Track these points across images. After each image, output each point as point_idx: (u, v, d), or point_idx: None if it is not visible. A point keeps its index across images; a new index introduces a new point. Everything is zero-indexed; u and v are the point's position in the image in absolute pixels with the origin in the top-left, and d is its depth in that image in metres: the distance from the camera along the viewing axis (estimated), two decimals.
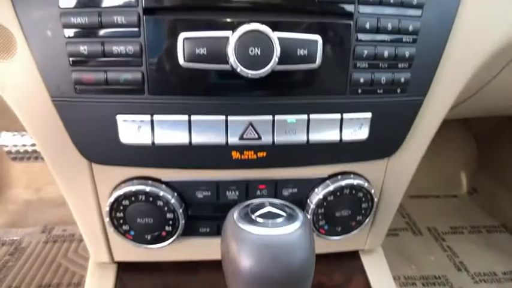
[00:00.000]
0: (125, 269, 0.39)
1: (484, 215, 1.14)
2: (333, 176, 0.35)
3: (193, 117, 0.29)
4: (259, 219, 0.22)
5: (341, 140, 0.32)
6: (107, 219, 0.33)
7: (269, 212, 0.22)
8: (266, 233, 0.20)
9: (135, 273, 0.38)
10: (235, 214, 0.22)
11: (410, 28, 0.29)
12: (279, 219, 0.22)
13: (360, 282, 0.39)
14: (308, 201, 0.35)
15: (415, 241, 1.02)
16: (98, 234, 0.36)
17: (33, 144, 0.95)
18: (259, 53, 0.26)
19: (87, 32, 0.26)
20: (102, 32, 0.26)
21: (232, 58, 0.26)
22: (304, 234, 0.21)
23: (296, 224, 0.21)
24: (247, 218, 0.22)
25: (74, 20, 0.26)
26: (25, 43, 0.27)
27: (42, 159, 0.99)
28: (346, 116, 0.31)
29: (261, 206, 0.23)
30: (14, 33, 0.27)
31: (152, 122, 0.29)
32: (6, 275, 0.92)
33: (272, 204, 0.23)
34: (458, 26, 0.31)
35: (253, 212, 0.22)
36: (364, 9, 0.28)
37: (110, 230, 0.34)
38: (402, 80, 0.31)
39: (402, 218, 1.10)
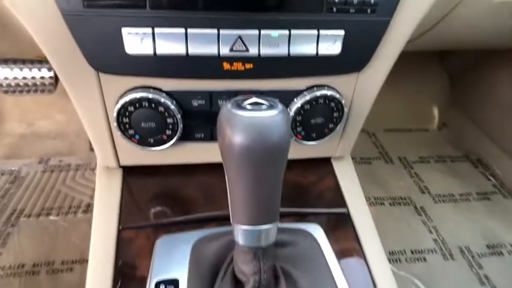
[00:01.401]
0: (129, 173, 0.45)
1: (450, 147, 1.25)
2: (309, 88, 0.40)
3: (189, 30, 0.33)
4: (248, 107, 0.27)
5: (317, 54, 0.36)
6: (114, 124, 0.38)
7: (256, 102, 0.28)
8: (253, 115, 0.26)
9: (139, 176, 0.45)
10: (228, 104, 0.27)
11: None
12: (264, 107, 0.27)
13: (331, 182, 0.47)
14: (288, 109, 0.40)
15: (386, 168, 1.13)
16: (106, 139, 0.41)
17: (25, 77, 0.96)
18: None
19: None
20: None
21: None
22: (282, 118, 0.26)
23: (276, 110, 0.27)
24: (238, 106, 0.27)
25: None
26: None
27: (34, 91, 1.00)
28: (322, 32, 0.36)
29: (249, 98, 0.28)
30: None
31: (153, 34, 0.33)
32: (9, 201, 0.99)
33: (258, 97, 0.28)
34: None
35: (243, 102, 0.28)
36: None
37: (117, 134, 0.39)
38: (372, 1, 0.35)
39: (376, 148, 1.21)
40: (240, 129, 0.26)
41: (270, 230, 0.29)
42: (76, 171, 1.09)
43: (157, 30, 0.33)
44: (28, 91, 1.10)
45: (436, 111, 1.32)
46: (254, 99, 0.28)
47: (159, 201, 0.42)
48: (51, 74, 1.02)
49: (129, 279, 0.34)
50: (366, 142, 1.22)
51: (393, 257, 0.88)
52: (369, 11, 0.36)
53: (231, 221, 0.29)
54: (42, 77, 0.98)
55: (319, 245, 0.37)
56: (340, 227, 0.41)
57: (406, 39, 0.41)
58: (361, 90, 0.42)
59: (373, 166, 1.13)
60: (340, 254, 0.37)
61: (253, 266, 0.29)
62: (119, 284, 0.34)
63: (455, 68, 1.25)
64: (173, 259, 0.34)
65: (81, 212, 0.95)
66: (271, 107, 0.27)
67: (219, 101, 0.39)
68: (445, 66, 1.27)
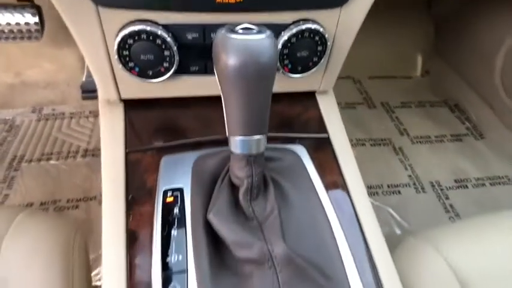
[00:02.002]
0: (129, 106, 0.49)
1: (431, 93, 1.31)
2: (295, 22, 0.44)
3: None
4: (240, 31, 0.31)
5: None
6: (115, 57, 0.41)
7: (247, 28, 0.31)
8: (245, 38, 0.30)
9: (139, 109, 0.48)
10: (223, 30, 0.31)
11: None
12: (254, 31, 0.31)
13: (314, 112, 0.52)
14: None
15: (369, 113, 1.20)
16: (107, 73, 0.44)
17: (8, 23, 0.94)
18: None
19: None
20: None
21: None
22: (270, 41, 0.30)
23: (264, 35, 0.30)
24: (231, 31, 0.31)
25: None
26: None
27: (21, 38, 0.98)
28: None
29: (241, 24, 0.31)
30: None
31: None
32: (8, 148, 1.03)
33: (249, 24, 0.32)
34: None
35: (235, 27, 0.31)
36: None
37: (118, 67, 0.43)
38: None
39: (360, 94, 1.26)
40: (233, 50, 0.29)
41: (260, 140, 0.34)
42: (70, 119, 1.12)
43: None
44: (14, 38, 1.08)
45: (419, 60, 1.35)
46: (245, 25, 0.31)
47: (160, 129, 0.47)
48: (36, 19, 1.00)
49: (140, 190, 0.39)
50: (351, 88, 1.26)
51: (371, 191, 0.97)
52: None
53: (228, 135, 0.34)
54: (27, 23, 0.96)
55: (302, 161, 0.43)
56: (321, 149, 0.47)
57: None
58: (344, 25, 0.46)
59: (357, 111, 1.19)
60: (321, 171, 0.43)
61: (246, 171, 0.34)
62: (130, 196, 0.39)
63: (440, 15, 1.27)
64: (177, 173, 0.40)
65: (80, 157, 1.00)
66: (260, 31, 0.31)
67: (211, 34, 0.42)
68: (430, 12, 1.28)
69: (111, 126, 0.46)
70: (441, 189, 1.00)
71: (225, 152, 0.38)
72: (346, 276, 0.33)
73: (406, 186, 1.00)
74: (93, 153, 1.00)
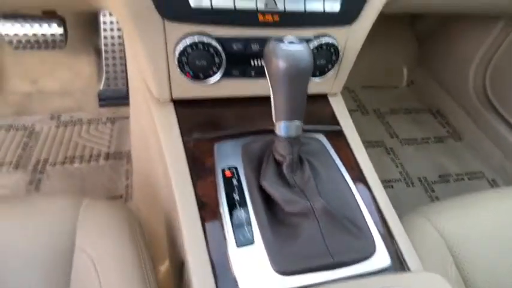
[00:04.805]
0: (179, 105, 0.58)
1: (416, 101, 1.46)
2: (316, 37, 0.55)
3: None
4: (286, 42, 0.42)
5: (324, 11, 0.51)
6: (176, 63, 0.51)
7: (290, 41, 0.42)
8: (290, 48, 0.41)
9: (187, 107, 0.58)
10: (273, 41, 0.41)
11: None
12: (296, 43, 0.42)
13: (328, 110, 0.64)
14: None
15: (363, 118, 1.33)
16: (164, 75, 0.54)
17: (35, 34, 1.02)
18: None
19: None
20: None
21: None
22: (308, 50, 0.41)
23: (304, 46, 0.41)
24: (280, 42, 0.41)
25: None
26: None
27: (45, 47, 1.08)
28: None
29: (287, 37, 0.42)
30: None
31: None
32: (31, 153, 1.09)
33: (291, 37, 0.43)
34: None
35: (282, 40, 0.42)
36: None
37: (176, 71, 0.52)
38: None
39: (354, 102, 1.39)
40: (283, 56, 0.40)
41: (298, 126, 0.44)
42: (89, 125, 1.19)
43: None
44: (39, 47, 1.16)
45: (405, 71, 1.51)
46: (290, 38, 0.42)
47: (207, 123, 0.57)
48: (61, 30, 1.09)
49: (201, 169, 0.48)
50: (346, 97, 1.40)
51: None
52: None
53: (274, 120, 0.44)
54: (52, 34, 1.05)
55: (325, 146, 0.53)
56: (337, 138, 0.58)
57: (382, 2, 0.56)
58: (351, 39, 0.58)
59: (353, 117, 1.31)
60: (339, 154, 0.54)
61: (288, 149, 0.45)
62: (194, 176, 0.48)
63: (423, 32, 1.44)
64: (229, 156, 0.49)
65: (103, 159, 1.08)
66: (300, 43, 0.42)
67: (252, 45, 0.53)
68: (414, 30, 1.45)
69: (167, 122, 0.56)
70: (427, 184, 1.13)
71: (267, 138, 0.49)
72: (368, 227, 0.44)
73: (398, 181, 1.12)
74: (115, 156, 1.08)
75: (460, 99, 1.33)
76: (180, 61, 0.51)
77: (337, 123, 0.61)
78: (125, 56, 1.18)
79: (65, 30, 1.06)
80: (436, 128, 1.35)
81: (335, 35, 0.56)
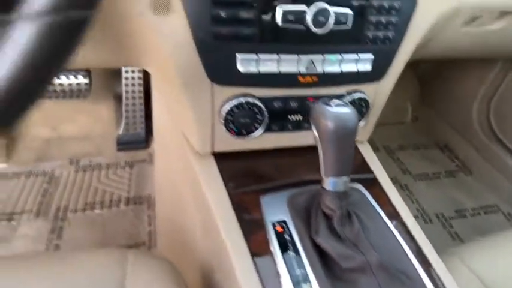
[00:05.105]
0: (219, 157, 0.61)
1: (422, 136, 1.51)
2: (348, 93, 0.59)
3: (281, 56, 0.50)
4: (333, 105, 0.45)
5: (358, 71, 0.56)
6: (222, 121, 0.54)
7: (337, 104, 0.46)
8: (338, 111, 0.44)
9: (227, 160, 0.60)
10: (322, 104, 0.45)
11: (396, 6, 0.53)
12: (342, 105, 0.45)
13: (359, 157, 0.67)
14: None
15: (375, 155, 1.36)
16: (208, 131, 0.57)
17: (61, 84, 1.06)
18: (323, 19, 0.48)
19: (225, 3, 0.45)
20: (233, 6, 0.45)
21: (309, 21, 0.47)
22: (354, 113, 0.45)
23: (350, 109, 0.45)
24: (327, 105, 0.45)
25: None
26: (181, 4, 0.45)
27: (70, 97, 1.12)
28: (361, 56, 0.55)
29: (333, 100, 0.46)
30: None
31: (258, 59, 0.50)
32: (51, 199, 1.09)
33: (337, 100, 0.46)
34: (419, 6, 0.55)
35: (329, 102, 0.46)
36: (374, 1, 0.50)
37: (221, 128, 0.55)
38: (390, 35, 0.55)
39: None
40: (331, 118, 0.44)
41: (346, 180, 0.47)
42: (107, 169, 1.20)
43: (260, 55, 0.50)
44: (64, 96, 1.21)
45: (409, 108, 1.58)
46: (336, 102, 0.46)
47: (250, 175, 0.59)
48: (87, 80, 1.14)
49: (250, 223, 0.50)
50: None
51: None
52: (387, 42, 0.55)
53: (323, 176, 0.47)
54: (78, 84, 1.10)
55: (365, 196, 0.56)
56: (373, 186, 0.60)
57: (408, 58, 0.61)
58: (379, 93, 0.62)
59: None
60: (378, 201, 0.56)
61: (337, 203, 0.47)
62: (245, 230, 0.50)
63: (424, 72, 1.52)
64: (275, 209, 0.51)
65: (123, 204, 1.08)
66: (346, 106, 0.45)
67: (291, 102, 0.56)
68: (416, 71, 1.53)
69: (210, 175, 0.58)
70: (445, 220, 1.14)
71: (312, 190, 0.51)
72: (420, 276, 0.45)
73: (416, 218, 1.13)
74: (136, 201, 1.09)
75: (465, 133, 1.38)
76: (225, 120, 0.55)
77: (369, 170, 0.64)
78: (145, 102, 1.22)
79: (90, 80, 1.11)
80: (446, 162, 1.39)
81: (365, 90, 0.60)
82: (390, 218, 0.54)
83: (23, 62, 0.22)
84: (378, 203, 0.56)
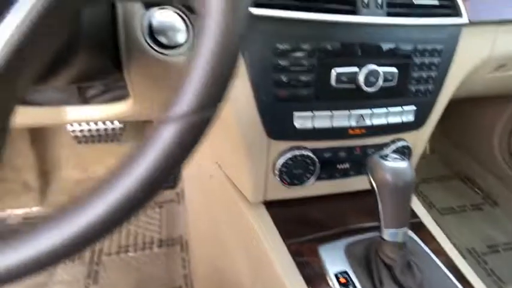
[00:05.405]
0: (269, 205, 0.63)
1: (442, 168, 1.53)
2: (392, 141, 0.62)
3: (334, 112, 0.54)
4: (390, 160, 0.48)
5: (402, 122, 0.59)
6: (277, 173, 0.57)
7: (394, 157, 0.49)
8: (397, 165, 0.47)
9: (278, 207, 0.63)
10: (378, 157, 0.48)
11: (435, 62, 0.57)
12: (399, 160, 0.48)
13: None
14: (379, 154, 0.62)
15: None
16: (261, 183, 0.59)
17: (98, 129, 1.11)
18: (374, 79, 0.52)
19: (286, 69, 0.49)
20: (293, 71, 0.50)
21: (361, 81, 0.51)
22: (410, 167, 0.48)
23: (407, 163, 0.48)
24: (384, 159, 0.48)
25: (281, 62, 0.49)
26: (246, 71, 0.49)
27: (105, 141, 1.17)
28: (405, 108, 0.58)
29: (389, 154, 0.49)
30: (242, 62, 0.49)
31: (313, 115, 0.53)
32: None
33: (393, 155, 0.49)
34: (455, 61, 0.60)
35: (386, 156, 0.48)
36: (416, 59, 0.55)
37: (274, 179, 0.58)
38: (430, 88, 0.59)
39: None
40: (389, 172, 0.46)
41: (406, 231, 0.49)
42: None
43: (315, 113, 0.53)
44: (99, 141, 1.25)
45: (428, 141, 1.61)
46: (393, 156, 0.49)
47: (303, 222, 0.61)
48: (122, 125, 1.19)
49: (313, 274, 0.51)
50: None
51: None
52: (428, 94, 0.59)
53: (382, 227, 0.49)
54: (113, 128, 1.15)
55: (416, 242, 0.57)
56: (421, 230, 0.62)
57: (445, 105, 0.65)
58: (420, 139, 0.65)
59: None
60: (428, 245, 0.58)
61: (398, 253, 0.48)
62: (308, 282, 0.51)
63: None
64: (334, 258, 0.52)
65: (156, 247, 1.09)
66: (402, 160, 0.48)
67: (340, 152, 0.60)
68: None
69: (264, 223, 0.60)
70: (478, 256, 1.13)
71: (369, 238, 0.53)
72: None
73: None
74: (168, 243, 1.09)
75: (487, 164, 1.40)
76: (280, 171, 0.58)
77: (415, 215, 0.66)
78: None
79: (125, 125, 1.16)
80: (470, 194, 1.39)
81: (407, 138, 0.64)
82: (444, 264, 0.55)
83: (161, 162, 0.25)
84: (429, 247, 0.57)
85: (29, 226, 0.23)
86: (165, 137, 0.25)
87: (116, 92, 0.56)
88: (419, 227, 0.63)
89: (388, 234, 0.49)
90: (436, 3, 0.56)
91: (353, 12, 0.50)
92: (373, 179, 0.49)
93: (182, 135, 0.25)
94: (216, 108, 0.26)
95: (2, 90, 0.26)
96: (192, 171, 0.95)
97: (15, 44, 0.25)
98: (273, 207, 0.63)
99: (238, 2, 0.24)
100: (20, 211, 1.16)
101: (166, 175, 0.25)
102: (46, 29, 0.26)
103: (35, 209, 1.18)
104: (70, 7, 0.28)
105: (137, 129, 1.28)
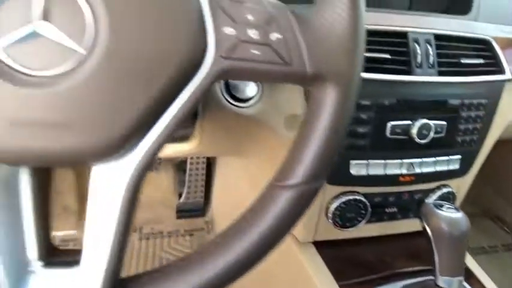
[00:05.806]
0: (318, 246, 0.66)
1: (470, 206, 1.52)
2: (437, 187, 0.65)
3: (387, 161, 0.58)
4: (445, 210, 0.51)
5: (448, 169, 0.62)
6: (330, 216, 0.60)
7: (447, 207, 0.51)
8: (453, 216, 0.50)
9: (327, 247, 0.65)
10: (431, 205, 0.51)
11: (481, 114, 0.61)
12: (453, 210, 0.51)
13: None
14: (426, 201, 0.65)
15: None
16: (313, 223, 0.63)
17: None
18: (426, 132, 0.56)
19: None
20: (352, 124, 0.54)
21: (414, 133, 0.55)
22: (465, 217, 0.50)
23: (462, 213, 0.51)
24: (438, 208, 0.51)
25: None
26: None
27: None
28: (451, 157, 0.62)
29: (444, 204, 0.52)
30: None
31: (368, 163, 0.57)
32: None
33: (447, 204, 0.52)
34: (498, 113, 0.63)
35: (440, 207, 0.51)
36: (463, 113, 0.59)
37: (327, 221, 0.61)
38: (475, 138, 0.62)
39: None
40: (445, 221, 0.49)
41: (461, 280, 0.51)
42: (169, 237, 1.25)
43: (370, 161, 0.57)
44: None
45: None
46: (447, 205, 0.52)
47: (355, 263, 0.63)
48: (157, 156, 1.24)
49: None
50: None
51: None
52: (472, 144, 0.63)
53: (438, 274, 0.51)
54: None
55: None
56: (472, 278, 0.63)
57: (487, 153, 0.68)
58: (463, 185, 0.68)
59: None
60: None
61: None
62: None
63: None
64: None
65: None
66: (457, 210, 0.51)
67: (389, 197, 0.63)
68: None
69: (316, 264, 0.62)
70: None
71: (422, 283, 0.55)
72: None
73: None
74: None
75: None
76: (333, 214, 0.61)
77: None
78: (207, 173, 1.30)
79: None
80: (500, 234, 1.38)
81: (452, 184, 0.66)
82: None
83: (276, 228, 0.28)
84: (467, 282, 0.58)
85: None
86: (281, 201, 0.29)
87: (179, 131, 0.62)
88: (468, 274, 0.64)
89: (443, 281, 0.51)
90: (482, 61, 0.60)
91: (408, 72, 0.54)
92: (429, 227, 0.51)
93: (296, 202, 0.29)
94: (325, 178, 0.30)
95: None
96: (220, 200, 0.98)
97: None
98: (322, 246, 0.65)
99: (355, 89, 0.29)
100: (60, 233, 1.21)
101: (279, 238, 0.30)
102: None
103: (72, 232, 1.23)
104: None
105: (173, 161, 1.33)
